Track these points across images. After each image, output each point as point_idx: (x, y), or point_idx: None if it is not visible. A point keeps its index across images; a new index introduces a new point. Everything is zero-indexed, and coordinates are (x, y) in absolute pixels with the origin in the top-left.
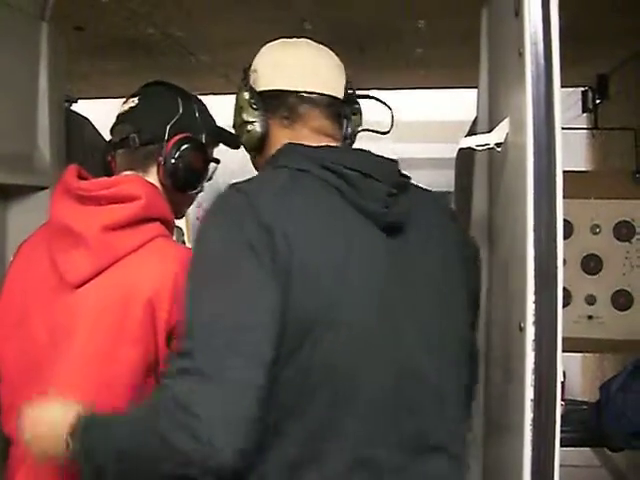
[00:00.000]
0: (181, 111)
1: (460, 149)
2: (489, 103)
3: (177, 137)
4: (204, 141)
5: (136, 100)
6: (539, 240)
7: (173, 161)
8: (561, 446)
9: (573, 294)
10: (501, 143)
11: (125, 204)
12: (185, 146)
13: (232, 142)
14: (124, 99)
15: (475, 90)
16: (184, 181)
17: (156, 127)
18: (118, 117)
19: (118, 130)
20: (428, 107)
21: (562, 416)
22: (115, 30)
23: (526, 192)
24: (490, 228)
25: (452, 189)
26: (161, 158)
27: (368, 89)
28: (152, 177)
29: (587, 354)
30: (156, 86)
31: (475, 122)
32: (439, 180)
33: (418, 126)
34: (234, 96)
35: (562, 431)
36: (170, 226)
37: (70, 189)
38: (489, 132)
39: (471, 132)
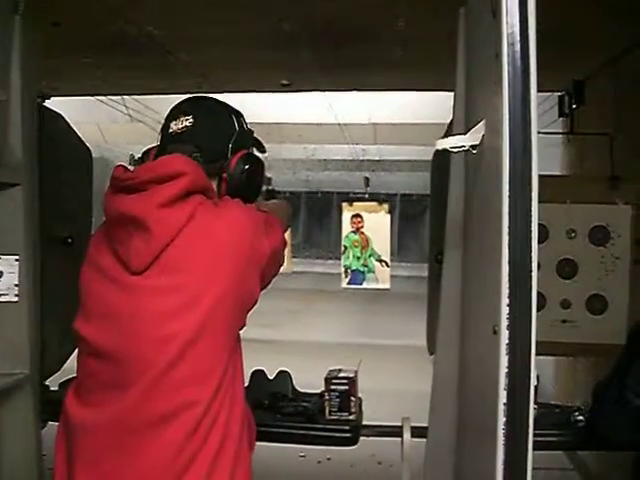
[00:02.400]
0: (237, 128)
1: (436, 151)
2: (465, 105)
3: (239, 154)
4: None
5: (190, 119)
6: (514, 243)
7: (238, 177)
8: (537, 449)
9: (548, 298)
10: (477, 145)
11: (174, 180)
12: (248, 162)
13: (263, 150)
14: (173, 116)
15: (453, 92)
16: (248, 194)
17: (219, 146)
18: (173, 135)
19: (176, 149)
20: (405, 109)
21: (535, 419)
22: (92, 27)
23: (501, 195)
24: (465, 230)
25: (428, 191)
26: (225, 174)
27: (346, 90)
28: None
29: (560, 358)
30: (205, 101)
31: (452, 124)
32: (415, 182)
33: (394, 128)
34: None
35: (536, 434)
36: (210, 194)
37: (118, 184)
38: (465, 134)
39: (448, 134)
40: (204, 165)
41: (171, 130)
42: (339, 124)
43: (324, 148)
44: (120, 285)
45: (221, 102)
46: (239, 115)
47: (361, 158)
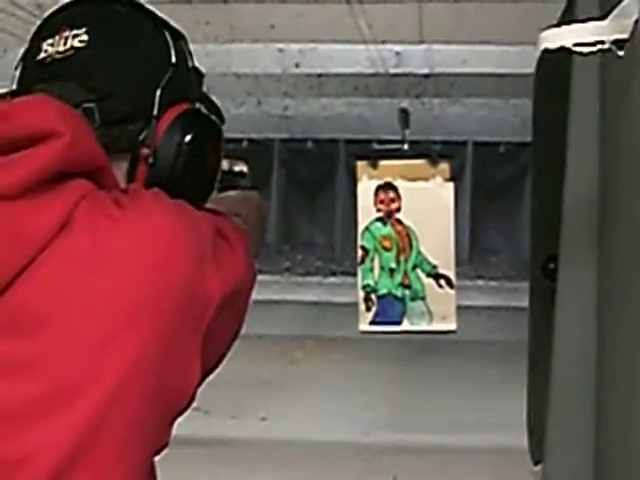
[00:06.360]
0: (174, 61)
1: (543, 53)
2: None
3: (175, 111)
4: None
5: (83, 35)
6: None
7: (173, 156)
8: None
9: None
10: (626, 40)
11: (31, 148)
12: (194, 128)
13: (220, 116)
14: (48, 31)
15: None
16: (190, 190)
17: (136, 91)
18: (46, 65)
19: (48, 90)
20: None
21: None
22: None
23: None
24: (607, 206)
25: (528, 138)
26: (146, 150)
27: None
28: (120, 178)
29: None
30: (111, 5)
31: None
32: (503, 118)
33: (459, 9)
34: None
35: None
36: (105, 178)
37: None
38: (602, 18)
39: (565, 20)
40: (102, 127)
41: (43, 55)
42: (347, 1)
43: (319, 51)
44: None
45: (144, 7)
46: (179, 36)
47: (393, 71)
